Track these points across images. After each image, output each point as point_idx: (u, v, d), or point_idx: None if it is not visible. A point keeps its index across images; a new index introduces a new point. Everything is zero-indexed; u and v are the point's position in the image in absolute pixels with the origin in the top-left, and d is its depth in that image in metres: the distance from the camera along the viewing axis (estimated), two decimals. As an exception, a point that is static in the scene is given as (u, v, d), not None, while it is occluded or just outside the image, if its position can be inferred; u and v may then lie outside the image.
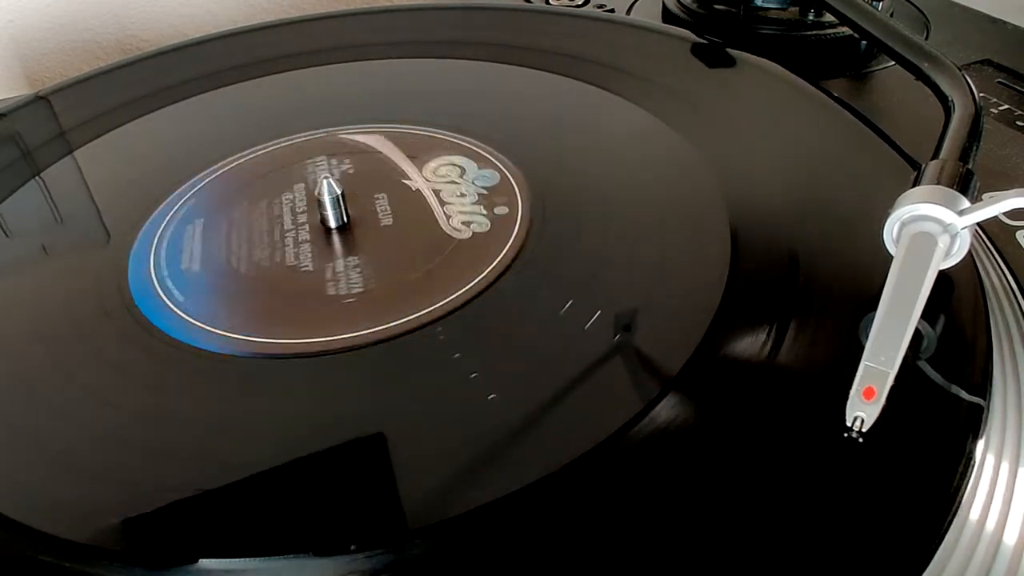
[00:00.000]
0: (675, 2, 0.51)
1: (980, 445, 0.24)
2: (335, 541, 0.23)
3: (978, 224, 0.28)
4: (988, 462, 0.25)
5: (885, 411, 0.24)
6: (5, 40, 0.60)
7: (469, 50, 0.46)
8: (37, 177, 0.39)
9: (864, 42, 0.46)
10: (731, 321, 0.28)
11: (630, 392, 0.26)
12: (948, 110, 0.32)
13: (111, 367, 0.29)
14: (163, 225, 0.35)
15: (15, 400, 0.28)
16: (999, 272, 0.32)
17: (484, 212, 0.34)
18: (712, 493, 0.23)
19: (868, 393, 0.24)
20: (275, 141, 0.40)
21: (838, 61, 0.46)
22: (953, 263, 0.28)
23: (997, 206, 0.26)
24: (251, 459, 0.25)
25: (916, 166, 0.30)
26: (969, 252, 0.28)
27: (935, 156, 0.30)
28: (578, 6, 0.53)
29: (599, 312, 0.29)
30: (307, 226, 0.34)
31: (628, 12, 0.53)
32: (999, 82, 0.44)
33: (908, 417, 0.24)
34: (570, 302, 0.29)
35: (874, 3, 0.43)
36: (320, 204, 0.34)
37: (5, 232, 0.37)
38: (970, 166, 0.29)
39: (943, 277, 0.28)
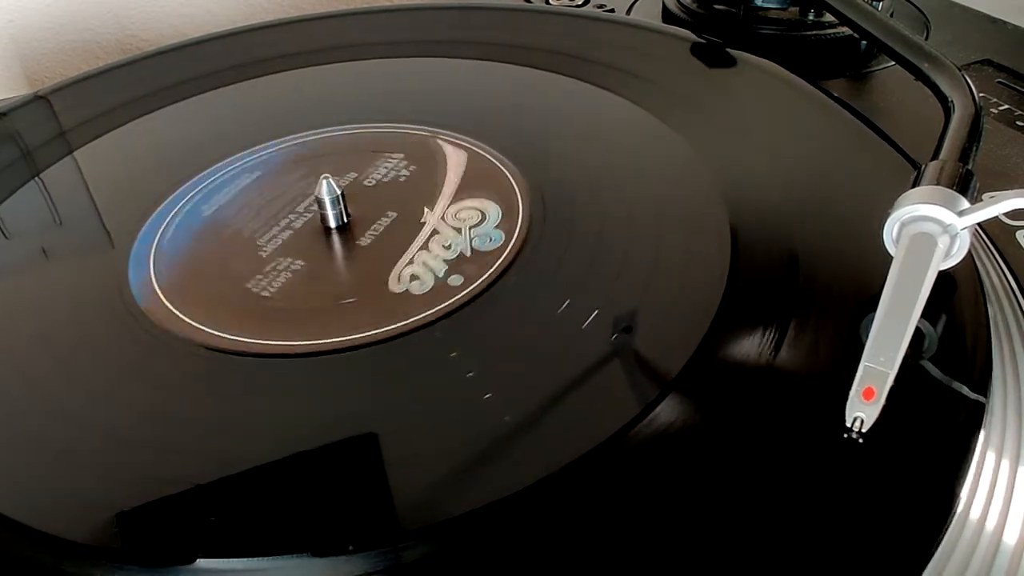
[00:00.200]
0: (675, 2, 0.51)
1: (980, 444, 0.24)
2: (333, 541, 0.23)
3: (978, 224, 0.28)
4: (988, 461, 0.25)
5: (885, 411, 0.24)
6: (5, 40, 0.60)
7: (468, 50, 0.46)
8: (37, 177, 0.39)
9: (864, 42, 0.46)
10: (731, 322, 0.28)
11: (630, 393, 0.26)
12: (948, 110, 0.32)
13: (110, 367, 0.29)
14: (164, 224, 0.35)
15: (13, 399, 0.28)
16: (999, 272, 0.32)
17: (442, 274, 0.31)
18: (713, 493, 0.23)
19: (868, 393, 0.24)
20: (353, 126, 0.40)
21: (838, 61, 0.46)
22: (953, 263, 0.28)
23: (997, 206, 0.26)
24: (249, 459, 0.25)
25: (916, 166, 0.30)
26: (969, 252, 0.28)
27: (935, 156, 0.30)
28: (578, 6, 0.53)
29: (599, 312, 0.29)
30: (304, 221, 0.35)
31: (628, 12, 0.53)
32: (999, 82, 0.44)
33: (908, 417, 0.24)
34: (570, 302, 0.29)
35: (874, 3, 0.43)
36: (319, 203, 0.34)
37: (4, 232, 0.37)
38: (970, 166, 0.29)
39: (944, 277, 0.28)
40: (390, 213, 0.35)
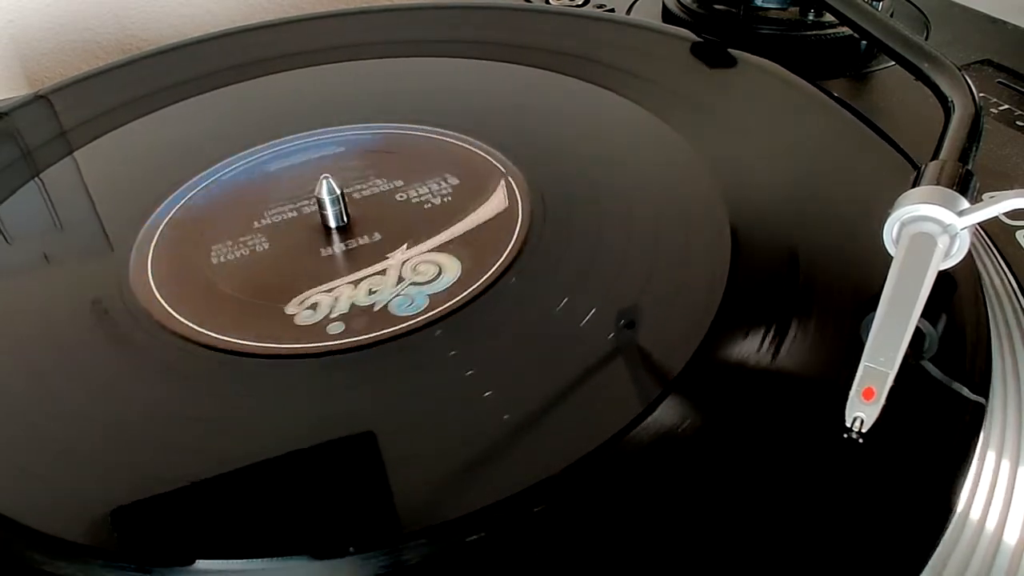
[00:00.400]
0: (675, 2, 0.51)
1: (980, 444, 0.24)
2: (334, 543, 0.23)
3: (978, 224, 0.28)
4: (988, 461, 0.25)
5: (885, 411, 0.24)
6: (5, 40, 0.60)
7: (468, 49, 0.46)
8: (37, 177, 0.39)
9: (864, 42, 0.46)
10: (731, 322, 0.28)
11: (631, 393, 0.26)
12: (948, 110, 0.32)
13: (109, 367, 0.29)
14: (163, 224, 0.35)
15: (12, 400, 0.28)
16: (1000, 272, 0.32)
17: (335, 315, 0.30)
18: (713, 493, 0.23)
19: (868, 393, 0.24)
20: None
21: (838, 61, 0.46)
22: (953, 264, 0.28)
23: (997, 206, 0.26)
24: (249, 459, 0.25)
25: (916, 166, 0.30)
26: (969, 252, 0.28)
27: (935, 156, 0.30)
28: (578, 6, 0.53)
29: (599, 312, 0.29)
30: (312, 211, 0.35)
31: (628, 12, 0.53)
32: (999, 82, 0.44)
33: (908, 416, 0.24)
34: (571, 302, 0.29)
35: (874, 3, 0.43)
36: (320, 203, 0.34)
37: (4, 232, 0.37)
38: (970, 166, 0.29)
39: (944, 276, 0.28)
40: (377, 234, 0.34)
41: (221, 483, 0.25)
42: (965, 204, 0.27)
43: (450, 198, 0.35)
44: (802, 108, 0.39)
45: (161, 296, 0.32)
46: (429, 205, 0.35)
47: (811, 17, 0.47)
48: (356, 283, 0.31)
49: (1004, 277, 0.32)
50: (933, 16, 0.51)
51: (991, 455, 0.25)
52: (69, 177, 0.40)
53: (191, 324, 0.30)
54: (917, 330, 0.25)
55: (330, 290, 0.31)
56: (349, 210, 0.34)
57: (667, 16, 0.51)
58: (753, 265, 0.30)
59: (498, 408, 0.26)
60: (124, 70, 0.47)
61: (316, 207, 0.34)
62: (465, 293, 0.30)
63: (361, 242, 0.34)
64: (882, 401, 0.24)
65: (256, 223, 0.35)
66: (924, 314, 0.26)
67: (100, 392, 0.28)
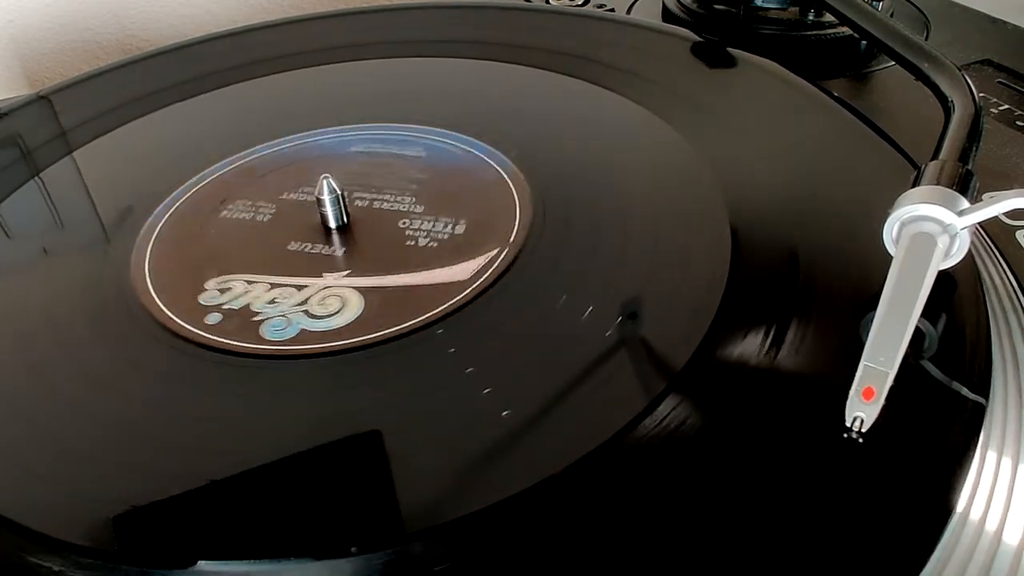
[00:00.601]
0: (675, 2, 0.51)
1: (980, 444, 0.24)
2: (335, 543, 0.23)
3: (978, 224, 0.28)
4: (988, 461, 0.25)
5: (885, 410, 0.24)
6: (5, 40, 0.60)
7: (468, 49, 0.46)
8: (37, 177, 0.39)
9: (864, 42, 0.46)
10: (731, 321, 0.28)
11: (631, 392, 0.26)
12: (948, 110, 0.32)
13: (109, 367, 0.29)
14: (162, 223, 0.35)
15: (12, 400, 0.28)
16: (1000, 272, 0.32)
17: (222, 307, 0.30)
18: (713, 493, 0.23)
19: (867, 393, 0.24)
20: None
21: (838, 61, 0.46)
22: (953, 263, 0.28)
23: (997, 206, 0.26)
24: (250, 460, 0.25)
25: (916, 166, 0.30)
26: (969, 252, 0.28)
27: (935, 156, 0.30)
28: (578, 6, 0.53)
29: (600, 312, 0.29)
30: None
31: (628, 12, 0.53)
32: (999, 82, 0.44)
33: (908, 416, 0.24)
34: (571, 302, 0.29)
35: (874, 3, 0.43)
36: (319, 203, 0.34)
37: (5, 231, 0.37)
38: (970, 166, 0.29)
39: (944, 276, 0.28)
40: (341, 249, 0.33)
41: (222, 483, 0.25)
42: (965, 204, 0.27)
43: (437, 244, 0.33)
44: (802, 108, 0.39)
45: (162, 295, 0.32)
46: (414, 243, 0.33)
47: (811, 17, 0.47)
48: (273, 286, 0.31)
49: (1004, 277, 0.32)
50: (933, 16, 0.51)
51: (991, 455, 0.25)
52: (69, 176, 0.40)
53: (191, 324, 0.30)
54: (917, 330, 0.25)
55: (251, 282, 0.31)
56: (349, 213, 0.34)
57: (667, 16, 0.51)
58: (753, 265, 0.30)
59: (498, 408, 0.26)
60: (124, 70, 0.47)
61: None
62: (345, 340, 0.29)
63: (323, 251, 0.33)
64: (882, 401, 0.24)
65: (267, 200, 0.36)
66: (924, 314, 0.26)
67: (100, 392, 0.28)
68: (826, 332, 0.27)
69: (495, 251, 0.30)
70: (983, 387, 0.25)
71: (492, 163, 0.37)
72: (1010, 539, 0.23)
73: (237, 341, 0.29)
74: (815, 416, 0.25)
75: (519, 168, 0.36)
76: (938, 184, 0.28)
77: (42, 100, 0.45)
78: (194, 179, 0.38)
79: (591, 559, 0.22)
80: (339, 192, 0.34)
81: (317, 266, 0.32)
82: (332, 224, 0.34)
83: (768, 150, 0.36)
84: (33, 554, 0.23)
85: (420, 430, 0.26)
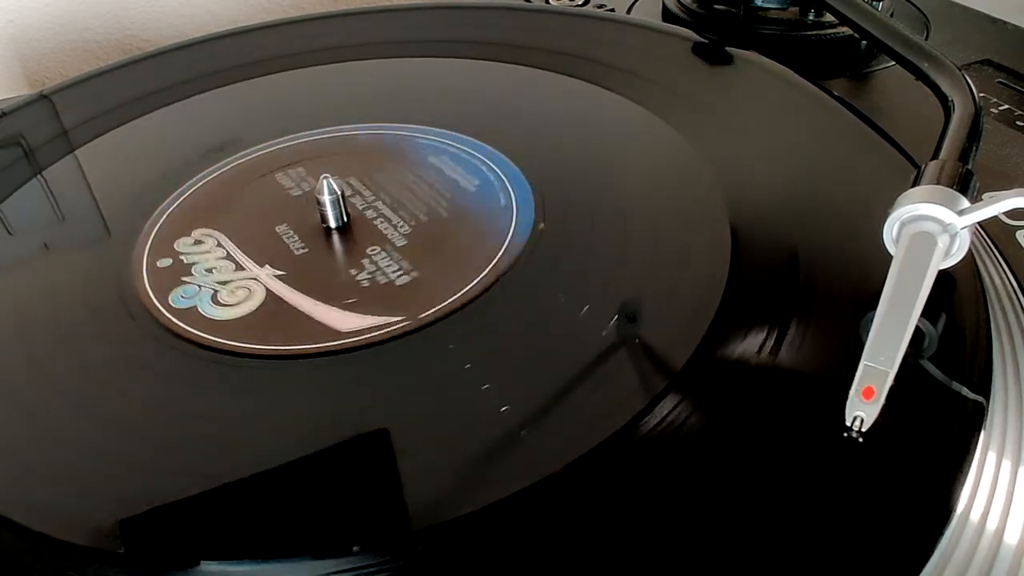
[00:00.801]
0: (675, 2, 0.51)
1: (980, 444, 0.24)
2: (337, 542, 0.23)
3: (978, 224, 0.28)
4: (988, 461, 0.25)
5: (885, 410, 0.24)
6: (5, 40, 0.61)
7: (468, 49, 0.46)
8: (39, 176, 0.40)
9: (864, 42, 0.46)
10: (731, 321, 0.28)
11: (630, 392, 0.26)
12: (948, 110, 0.32)
13: (111, 367, 0.29)
14: (162, 223, 0.35)
15: (13, 399, 0.28)
16: (1000, 272, 0.32)
17: (180, 256, 0.32)
18: (713, 492, 0.23)
19: (867, 393, 0.24)
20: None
21: (838, 61, 0.46)
22: (953, 263, 0.28)
23: (997, 206, 0.26)
24: (251, 460, 0.25)
25: (916, 166, 0.30)
26: (970, 251, 0.28)
27: (935, 156, 0.30)
28: (578, 6, 0.53)
29: (599, 311, 0.29)
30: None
31: (628, 12, 0.53)
32: (999, 82, 0.44)
33: (909, 416, 0.24)
34: (571, 301, 0.29)
35: (874, 3, 0.43)
36: (319, 203, 0.34)
37: (7, 230, 0.37)
38: (970, 166, 0.29)
39: (944, 275, 0.28)
40: (306, 248, 0.33)
41: (223, 484, 0.25)
42: (965, 203, 0.27)
43: (369, 285, 0.31)
44: (802, 108, 0.39)
45: (161, 295, 0.32)
46: (357, 272, 0.32)
47: (811, 17, 0.47)
48: (226, 257, 0.33)
49: (1004, 277, 0.32)
50: (933, 16, 0.51)
51: (991, 455, 0.25)
52: (71, 175, 0.40)
53: (190, 325, 0.30)
54: (917, 329, 0.25)
55: (219, 245, 0.34)
56: (349, 215, 0.34)
57: (667, 16, 0.51)
58: (753, 264, 0.30)
59: (499, 407, 0.26)
60: (124, 70, 0.47)
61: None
62: (215, 335, 0.30)
63: (292, 244, 0.34)
64: (882, 400, 0.24)
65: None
66: (924, 313, 0.26)
67: (101, 392, 0.28)
68: (826, 332, 0.27)
69: (398, 319, 0.29)
70: (983, 387, 0.25)
71: (492, 163, 0.37)
72: (1010, 539, 0.23)
73: (153, 296, 0.31)
74: (815, 416, 0.25)
75: (519, 167, 0.36)
76: (938, 184, 0.28)
77: (43, 100, 0.45)
78: (195, 179, 0.38)
79: (591, 558, 0.22)
80: (339, 194, 0.34)
81: (271, 255, 0.33)
82: (328, 223, 0.34)
83: (768, 150, 0.36)
84: (35, 556, 0.23)
85: (421, 429, 0.26)
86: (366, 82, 0.45)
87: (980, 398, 0.25)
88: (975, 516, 0.23)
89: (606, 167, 0.36)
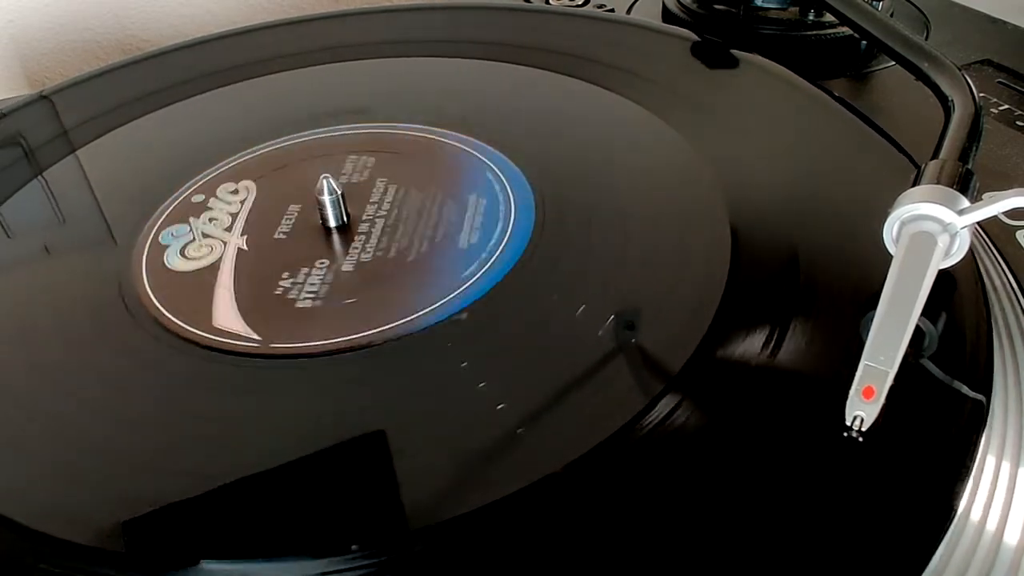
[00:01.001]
0: (675, 2, 0.51)
1: (980, 444, 0.24)
2: (336, 542, 0.23)
3: (978, 224, 0.28)
4: (988, 461, 0.25)
5: (885, 409, 0.24)
6: (5, 40, 0.61)
7: (468, 49, 0.46)
8: (39, 177, 0.40)
9: (864, 42, 0.46)
10: (731, 321, 0.28)
11: (630, 392, 0.26)
12: (948, 110, 0.32)
13: (112, 368, 0.29)
14: (161, 222, 0.35)
15: (15, 400, 0.28)
16: (1000, 272, 0.32)
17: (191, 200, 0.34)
18: (713, 492, 0.23)
19: (867, 392, 0.24)
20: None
21: (838, 61, 0.46)
22: (953, 263, 0.28)
23: (997, 206, 0.26)
24: (251, 460, 0.25)
25: (916, 166, 0.30)
26: (970, 251, 0.28)
27: (935, 156, 0.30)
28: (578, 6, 0.53)
29: (599, 312, 0.29)
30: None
31: (628, 12, 0.53)
32: (999, 82, 0.44)
33: (909, 416, 0.24)
34: (570, 301, 0.29)
35: (874, 3, 0.43)
36: (320, 204, 0.34)
37: (7, 232, 0.37)
38: (970, 166, 0.29)
39: (945, 275, 0.28)
40: (286, 232, 0.34)
41: (223, 483, 0.25)
42: (965, 203, 0.27)
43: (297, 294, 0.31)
44: (802, 108, 0.39)
45: (161, 295, 0.32)
46: (291, 283, 0.32)
47: (811, 17, 0.47)
48: (233, 214, 0.35)
49: (1004, 277, 0.32)
50: (933, 16, 0.51)
51: (991, 455, 0.25)
52: (71, 176, 0.40)
53: (191, 325, 0.30)
54: (917, 329, 0.25)
55: (243, 201, 0.35)
56: (348, 214, 0.35)
57: (667, 16, 0.51)
58: (753, 264, 0.30)
59: (497, 407, 0.26)
60: (124, 70, 0.47)
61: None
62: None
63: (285, 222, 0.35)
64: (882, 400, 0.24)
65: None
66: (924, 313, 0.26)
67: (101, 392, 0.28)
68: (826, 332, 0.27)
69: (255, 338, 0.29)
70: (983, 386, 0.25)
71: (491, 164, 0.37)
72: (1010, 539, 0.23)
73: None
74: (815, 415, 0.25)
75: (519, 167, 0.36)
76: (938, 183, 0.28)
77: (43, 100, 0.45)
78: (195, 178, 0.38)
79: (591, 558, 0.22)
80: (339, 194, 0.34)
81: (257, 228, 0.34)
82: (328, 222, 0.34)
83: (768, 150, 0.36)
84: (35, 555, 0.23)
85: (420, 429, 0.26)
86: (365, 82, 0.45)
87: (980, 397, 0.25)
88: (975, 516, 0.23)
89: (606, 167, 0.36)
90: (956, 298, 0.28)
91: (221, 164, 0.39)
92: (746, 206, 0.33)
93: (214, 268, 0.32)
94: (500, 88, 0.43)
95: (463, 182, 0.36)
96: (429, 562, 0.22)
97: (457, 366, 0.28)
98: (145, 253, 0.34)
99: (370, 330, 0.29)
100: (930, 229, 0.27)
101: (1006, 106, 0.42)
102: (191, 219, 0.35)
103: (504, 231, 0.33)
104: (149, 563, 0.23)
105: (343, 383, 0.28)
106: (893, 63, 0.38)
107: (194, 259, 0.33)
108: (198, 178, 0.38)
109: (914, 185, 0.28)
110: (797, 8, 0.47)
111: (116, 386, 0.29)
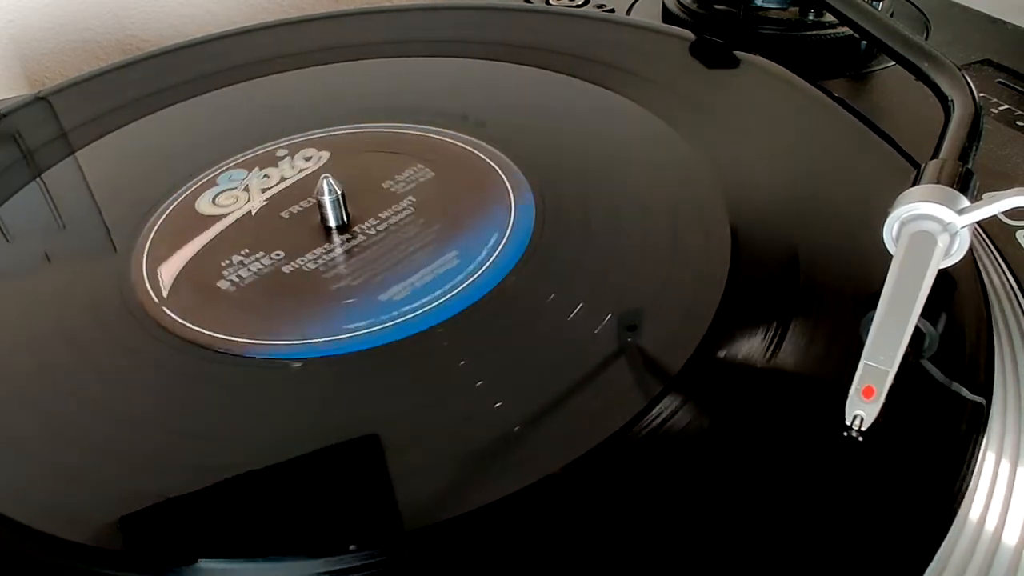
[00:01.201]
0: (675, 2, 0.51)
1: (981, 444, 0.24)
2: (334, 542, 0.23)
3: (978, 224, 0.27)
4: (988, 461, 0.25)
5: (886, 410, 0.24)
6: (5, 40, 0.61)
7: (468, 49, 0.46)
8: (38, 178, 0.39)
9: (864, 42, 0.46)
10: (731, 321, 0.28)
11: (630, 392, 0.26)
12: (948, 110, 0.32)
13: (111, 368, 0.29)
14: (161, 223, 0.35)
15: (16, 401, 0.28)
16: (1000, 272, 0.32)
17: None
18: (713, 493, 0.23)
19: (867, 392, 0.24)
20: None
21: (838, 61, 0.46)
22: (953, 262, 0.28)
23: (996, 205, 0.26)
24: (250, 460, 0.25)
25: (916, 166, 0.30)
26: (970, 251, 0.28)
27: (935, 156, 0.30)
28: (578, 6, 0.53)
29: (599, 311, 0.29)
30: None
31: (628, 12, 0.53)
32: (999, 82, 0.44)
33: (909, 416, 0.24)
34: (570, 301, 0.29)
35: (874, 3, 0.43)
36: (320, 204, 0.34)
37: (5, 234, 0.37)
38: (970, 166, 0.29)
39: (944, 276, 0.28)
40: (297, 216, 0.35)
41: (223, 483, 0.25)
42: (965, 203, 0.27)
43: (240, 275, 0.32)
44: (802, 108, 0.39)
45: (161, 296, 0.32)
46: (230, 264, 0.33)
47: (811, 17, 0.47)
48: (286, 180, 0.37)
49: (1004, 277, 0.32)
50: (933, 16, 0.51)
51: (991, 455, 0.25)
52: (70, 178, 0.40)
53: (191, 325, 0.30)
54: (917, 329, 0.25)
55: (302, 170, 0.37)
56: (349, 210, 0.34)
57: (667, 16, 0.51)
58: (753, 264, 0.30)
59: (496, 408, 0.26)
60: (124, 70, 0.47)
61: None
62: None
63: (304, 202, 0.35)
64: (882, 400, 0.24)
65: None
66: (924, 313, 0.26)
67: (100, 392, 0.28)
68: (826, 332, 0.27)
69: (155, 299, 0.31)
70: (983, 387, 0.25)
71: (492, 163, 0.37)
72: (1009, 539, 0.23)
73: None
74: (815, 415, 0.25)
75: (519, 168, 0.36)
76: (938, 183, 0.28)
77: (42, 100, 0.45)
78: (196, 178, 0.38)
79: (590, 559, 0.22)
80: (339, 194, 0.34)
81: (282, 198, 0.36)
82: (328, 222, 0.34)
83: (768, 150, 0.36)
84: (35, 554, 0.23)
85: (419, 429, 0.26)
86: (366, 82, 0.45)
87: (980, 398, 0.25)
88: (974, 516, 0.23)
89: (606, 167, 0.36)
90: (956, 298, 0.28)
91: (323, 129, 0.40)
92: (746, 206, 0.33)
93: (215, 220, 0.34)
94: (500, 88, 0.43)
95: (469, 229, 0.33)
96: (427, 562, 0.22)
97: (457, 366, 0.28)
98: (145, 253, 0.34)
99: (209, 335, 0.30)
100: (930, 229, 0.27)
101: (1006, 106, 0.42)
102: (255, 168, 0.37)
103: (503, 233, 0.33)
104: (148, 562, 0.23)
105: (341, 383, 0.28)
106: (893, 63, 0.38)
107: (218, 206, 0.35)
108: (300, 135, 0.40)
109: (914, 185, 0.28)
110: (797, 8, 0.47)
111: (115, 386, 0.29)
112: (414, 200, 0.35)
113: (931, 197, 0.27)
